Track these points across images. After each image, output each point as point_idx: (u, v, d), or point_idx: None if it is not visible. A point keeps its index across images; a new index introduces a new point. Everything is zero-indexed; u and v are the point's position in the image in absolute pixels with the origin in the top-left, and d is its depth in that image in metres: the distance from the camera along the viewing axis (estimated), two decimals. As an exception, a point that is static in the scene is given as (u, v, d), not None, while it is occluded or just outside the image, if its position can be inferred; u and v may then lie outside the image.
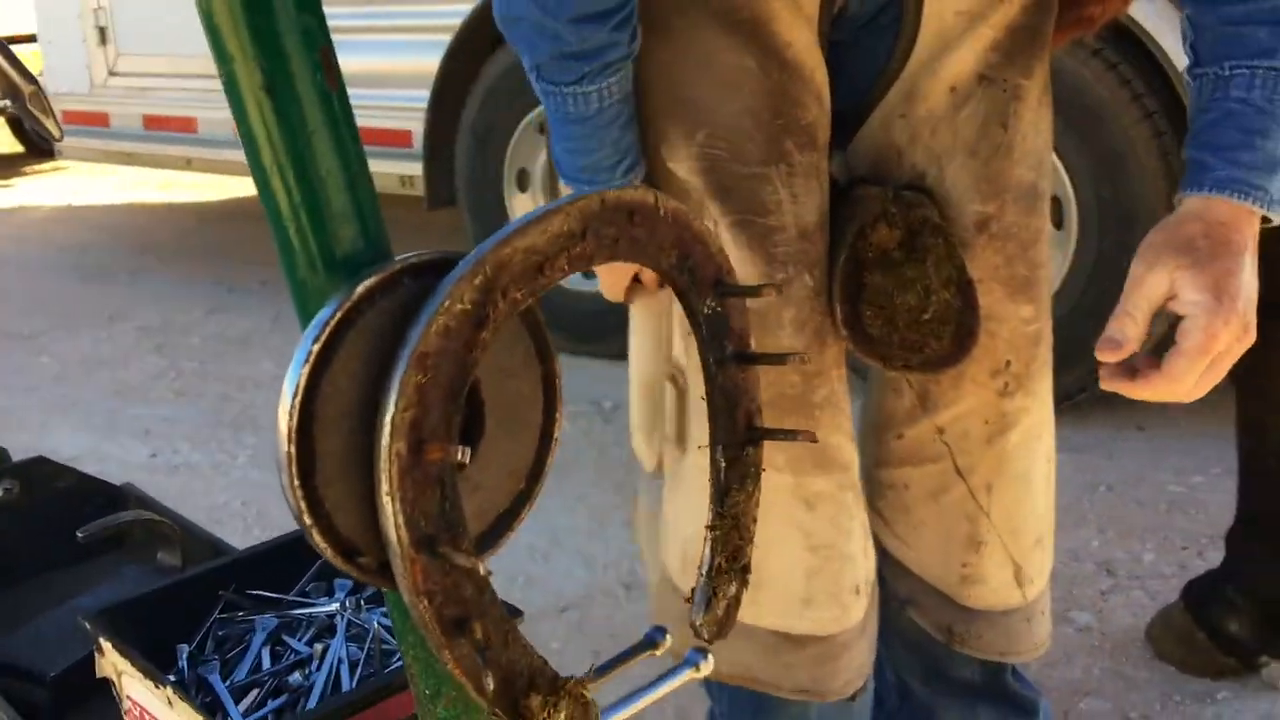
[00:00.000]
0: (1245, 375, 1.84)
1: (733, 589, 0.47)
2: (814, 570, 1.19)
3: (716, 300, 0.45)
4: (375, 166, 3.27)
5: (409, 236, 4.98)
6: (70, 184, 7.94)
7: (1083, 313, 3.01)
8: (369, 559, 0.38)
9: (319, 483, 0.36)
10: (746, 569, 0.48)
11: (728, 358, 0.46)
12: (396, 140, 4.21)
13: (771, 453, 1.15)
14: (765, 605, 1.19)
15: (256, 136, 0.37)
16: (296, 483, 0.36)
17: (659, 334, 1.23)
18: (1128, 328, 1.00)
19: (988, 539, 1.29)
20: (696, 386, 1.19)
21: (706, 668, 0.99)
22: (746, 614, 1.14)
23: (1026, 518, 1.30)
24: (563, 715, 0.41)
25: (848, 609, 1.21)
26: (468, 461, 0.38)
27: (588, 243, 0.41)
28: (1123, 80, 2.83)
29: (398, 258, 0.39)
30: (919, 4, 1.11)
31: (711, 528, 0.47)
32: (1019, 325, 1.24)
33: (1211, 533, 2.58)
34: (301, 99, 0.36)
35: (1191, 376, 1.00)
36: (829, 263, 1.17)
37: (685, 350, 1.21)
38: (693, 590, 0.48)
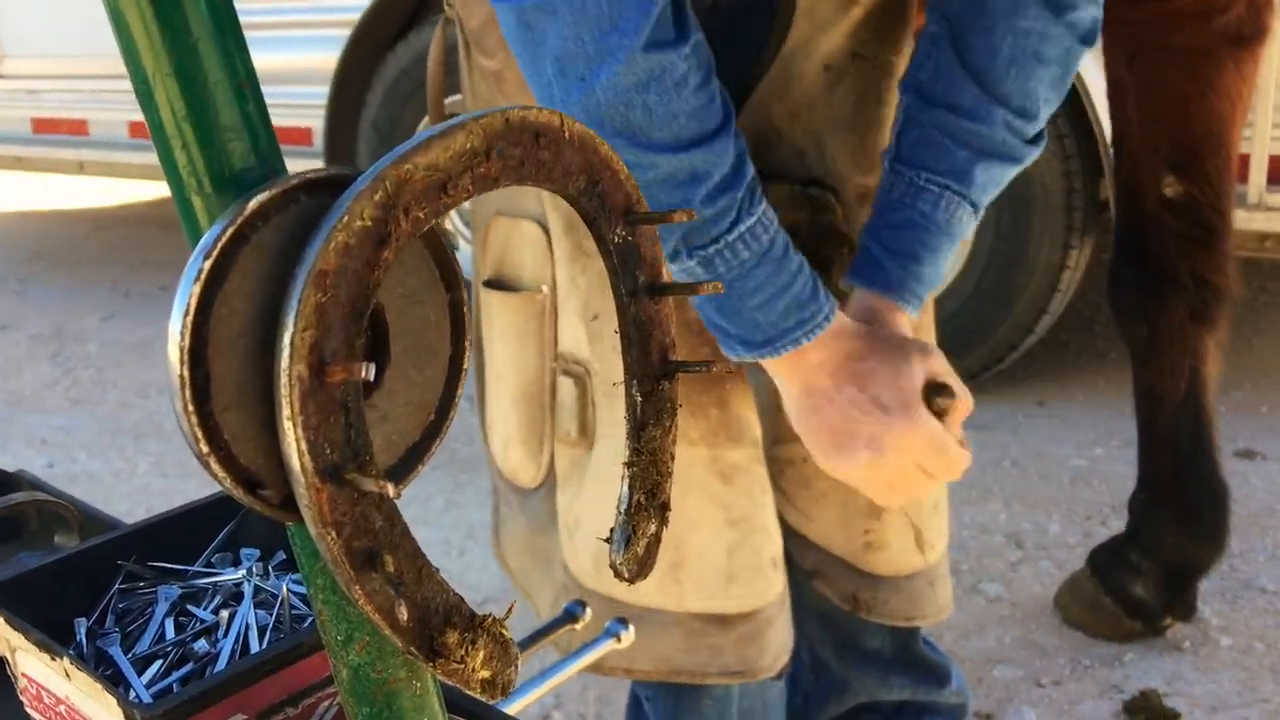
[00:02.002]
0: (1140, 346, 1.90)
1: (652, 526, 0.46)
2: (735, 545, 1.18)
3: (627, 229, 0.44)
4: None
5: (311, 236, 4.85)
6: (-47, 192, 7.66)
7: (983, 295, 3.08)
8: (272, 491, 0.36)
9: (215, 409, 0.34)
10: (665, 506, 0.47)
11: (640, 288, 0.45)
12: (297, 138, 4.15)
13: (685, 427, 1.16)
14: (688, 586, 1.18)
15: (137, 44, 0.35)
16: (191, 408, 0.34)
17: (538, 333, 1.20)
18: None
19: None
20: (605, 370, 1.17)
21: (628, 638, 0.98)
22: (669, 600, 1.18)
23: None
24: (481, 653, 0.40)
25: (770, 582, 1.21)
26: (371, 379, 0.37)
27: (492, 163, 0.39)
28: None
29: (294, 174, 0.37)
30: None
31: (629, 464, 0.46)
32: None
33: (1114, 503, 2.65)
34: (184, 2, 0.35)
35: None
36: None
37: (587, 337, 1.18)
38: (611, 530, 0.47)
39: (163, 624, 0.57)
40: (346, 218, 0.35)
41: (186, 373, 0.33)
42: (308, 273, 0.34)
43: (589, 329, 1.17)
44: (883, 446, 1.01)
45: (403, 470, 0.40)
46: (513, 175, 0.40)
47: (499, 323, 1.24)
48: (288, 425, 0.33)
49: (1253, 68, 1.66)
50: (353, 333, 0.35)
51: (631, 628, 0.94)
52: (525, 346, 1.21)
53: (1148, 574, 2.03)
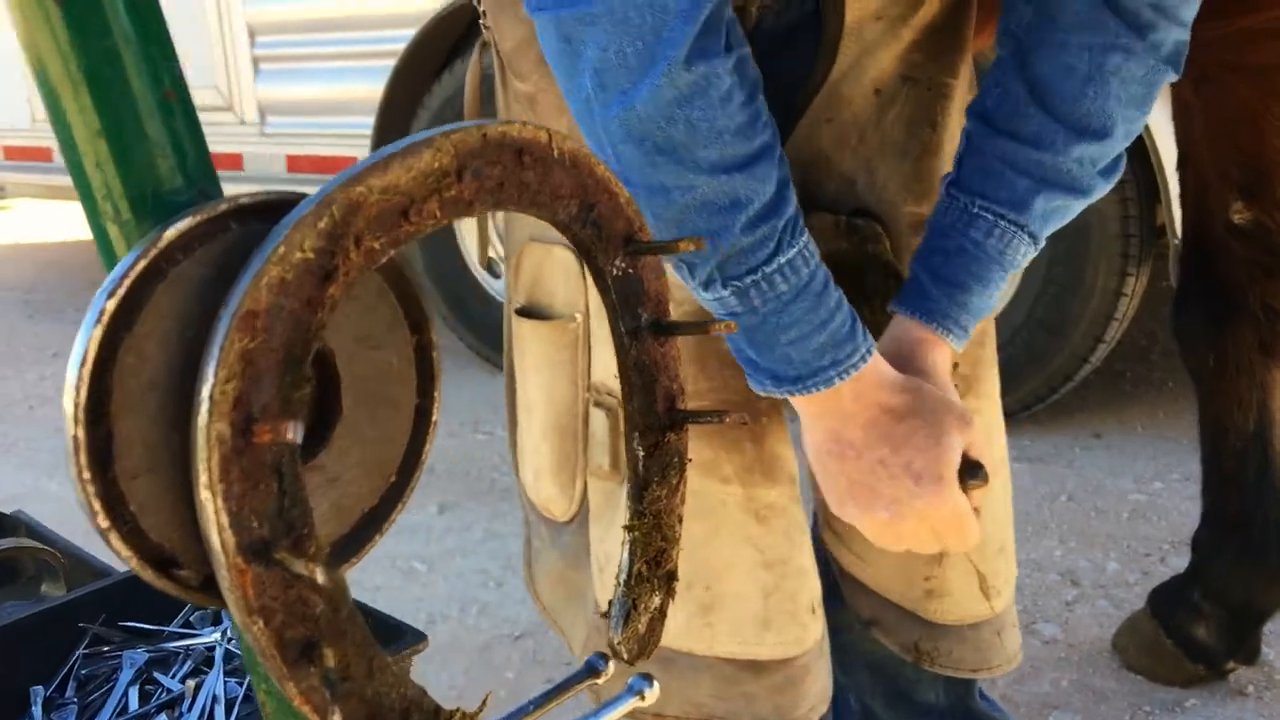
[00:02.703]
0: (1206, 377, 1.81)
1: (656, 600, 0.40)
2: (771, 588, 1.12)
3: (627, 260, 0.38)
4: None
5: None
6: (16, 221, 7.78)
7: (1037, 324, 3.00)
8: (190, 572, 0.30)
9: (120, 475, 0.29)
10: (672, 576, 0.40)
11: (643, 327, 0.39)
12: (342, 168, 4.12)
13: (719, 463, 1.11)
14: (721, 631, 1.12)
15: (41, 47, 0.30)
16: (87, 475, 0.28)
17: (571, 363, 1.16)
18: None
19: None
20: None
21: (651, 695, 0.92)
22: (699, 644, 1.12)
23: (987, 524, 1.24)
24: (447, 755, 0.34)
25: (807, 628, 1.15)
26: (299, 440, 0.31)
27: (465, 184, 0.34)
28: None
29: (227, 197, 0.32)
30: (839, 14, 1.07)
31: (629, 528, 0.40)
32: None
33: (1173, 539, 2.56)
34: (100, 1, 0.29)
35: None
36: None
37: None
38: (609, 604, 0.41)
39: (126, 693, 0.51)
40: (283, 249, 0.30)
41: (82, 433, 0.28)
42: (233, 313, 0.28)
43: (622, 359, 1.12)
44: (903, 513, 0.98)
45: (355, 543, 0.34)
46: (490, 199, 0.35)
47: (531, 352, 1.20)
48: (205, 495, 0.28)
49: None
50: (287, 384, 0.29)
51: (656, 685, 0.88)
52: (557, 376, 1.17)
53: (1211, 616, 1.93)
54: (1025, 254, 1.05)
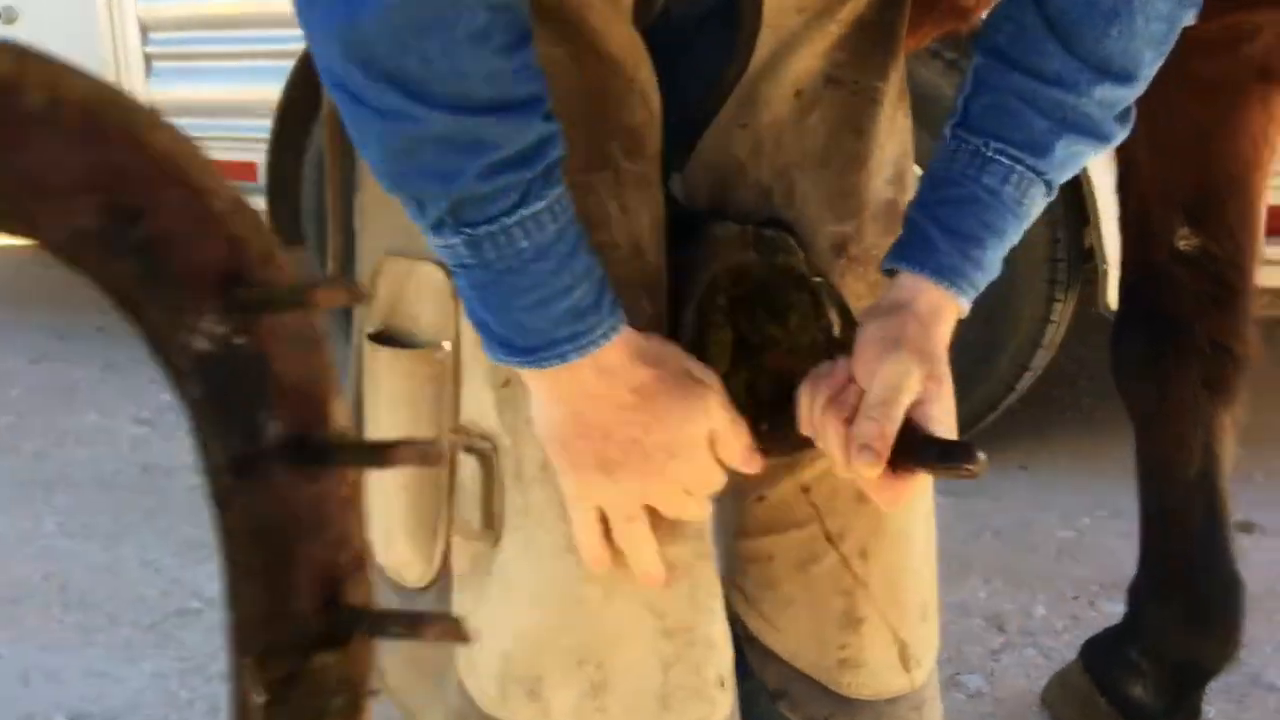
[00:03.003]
0: (1146, 416, 1.70)
1: None
2: (672, 660, 1.00)
3: (231, 323, 0.21)
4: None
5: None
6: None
7: (962, 350, 2.87)
8: None
9: None
10: None
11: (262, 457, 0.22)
12: (239, 173, 3.99)
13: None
14: (614, 714, 1.00)
15: None
16: None
17: (435, 399, 1.02)
18: (888, 440, 0.90)
19: (867, 614, 1.13)
20: (518, 447, 0.99)
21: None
22: None
23: (910, 586, 1.15)
24: None
25: (715, 704, 1.03)
26: None
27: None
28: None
29: None
30: (757, 2, 0.98)
31: None
32: None
33: (1103, 581, 2.47)
34: None
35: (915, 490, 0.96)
36: (672, 315, 1.02)
37: (496, 406, 1.00)
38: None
39: None
40: None
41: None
42: None
43: (499, 396, 0.99)
44: (656, 481, 0.93)
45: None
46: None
47: (386, 385, 1.06)
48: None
49: None
50: None
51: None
52: (418, 415, 1.04)
53: (1149, 673, 1.81)
54: (1040, 205, 0.96)
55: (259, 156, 3.80)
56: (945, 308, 0.95)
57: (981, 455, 0.87)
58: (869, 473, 0.90)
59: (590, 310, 0.87)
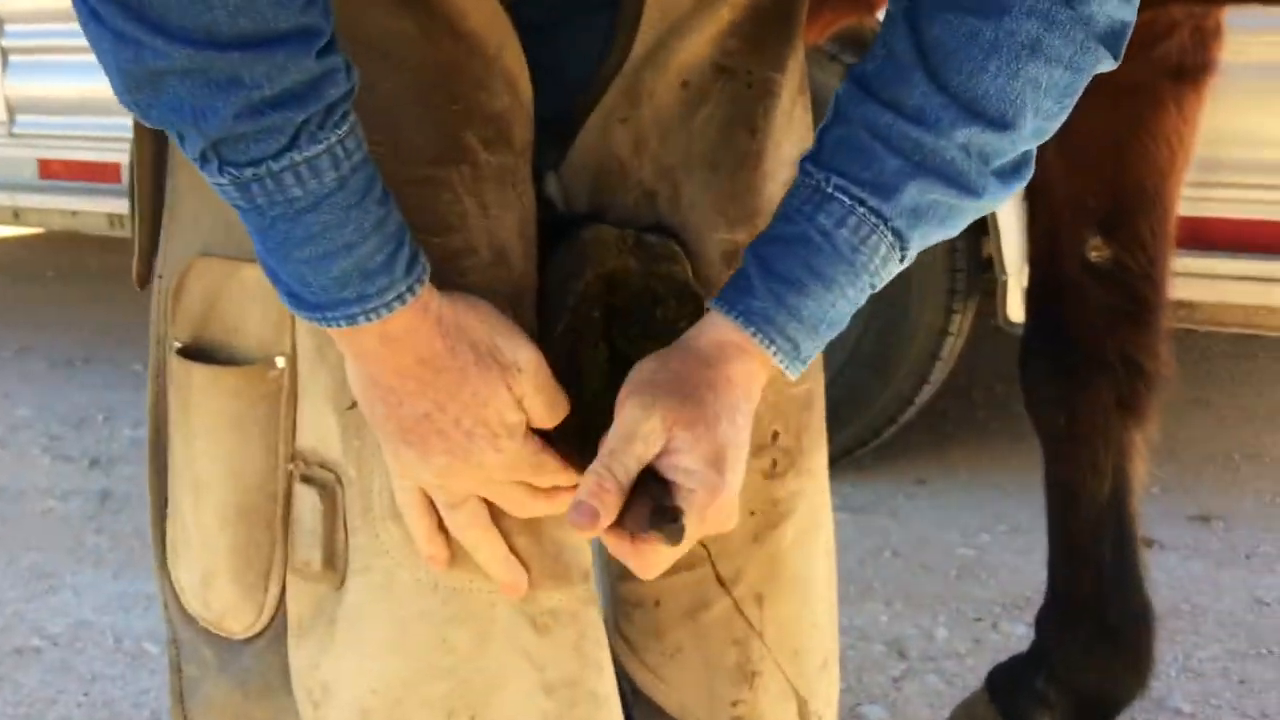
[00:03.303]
0: (1055, 437, 1.63)
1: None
2: (553, 718, 0.92)
3: None
4: (82, 205, 2.80)
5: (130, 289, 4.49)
6: None
7: (860, 363, 2.87)
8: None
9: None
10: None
11: None
12: (103, 175, 3.82)
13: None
14: None
15: None
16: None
17: (268, 423, 0.92)
18: (609, 496, 0.80)
19: (762, 667, 1.05)
20: (364, 479, 0.89)
21: None
22: None
23: (809, 634, 1.07)
24: None
25: None
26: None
27: None
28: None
29: None
30: None
31: None
32: (785, 387, 1.00)
33: (1004, 601, 2.44)
34: None
35: (672, 556, 0.84)
36: (542, 331, 0.92)
37: (340, 431, 0.89)
38: None
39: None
40: None
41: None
42: None
43: (343, 420, 0.89)
44: (465, 462, 0.84)
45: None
46: None
47: (204, 409, 0.94)
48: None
49: (1196, 108, 1.42)
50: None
51: None
52: (246, 442, 0.92)
53: (1057, 704, 1.76)
54: (885, 259, 0.83)
55: (123, 156, 3.62)
56: (742, 355, 0.84)
57: (679, 522, 0.77)
58: (578, 534, 0.83)
59: (381, 270, 0.77)
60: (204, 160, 0.73)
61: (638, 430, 0.80)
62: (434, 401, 0.83)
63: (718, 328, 0.85)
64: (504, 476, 0.86)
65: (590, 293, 0.91)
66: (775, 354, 0.84)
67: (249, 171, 0.73)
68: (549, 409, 0.86)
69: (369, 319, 0.79)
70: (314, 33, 0.72)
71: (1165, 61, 1.36)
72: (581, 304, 0.91)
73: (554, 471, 0.87)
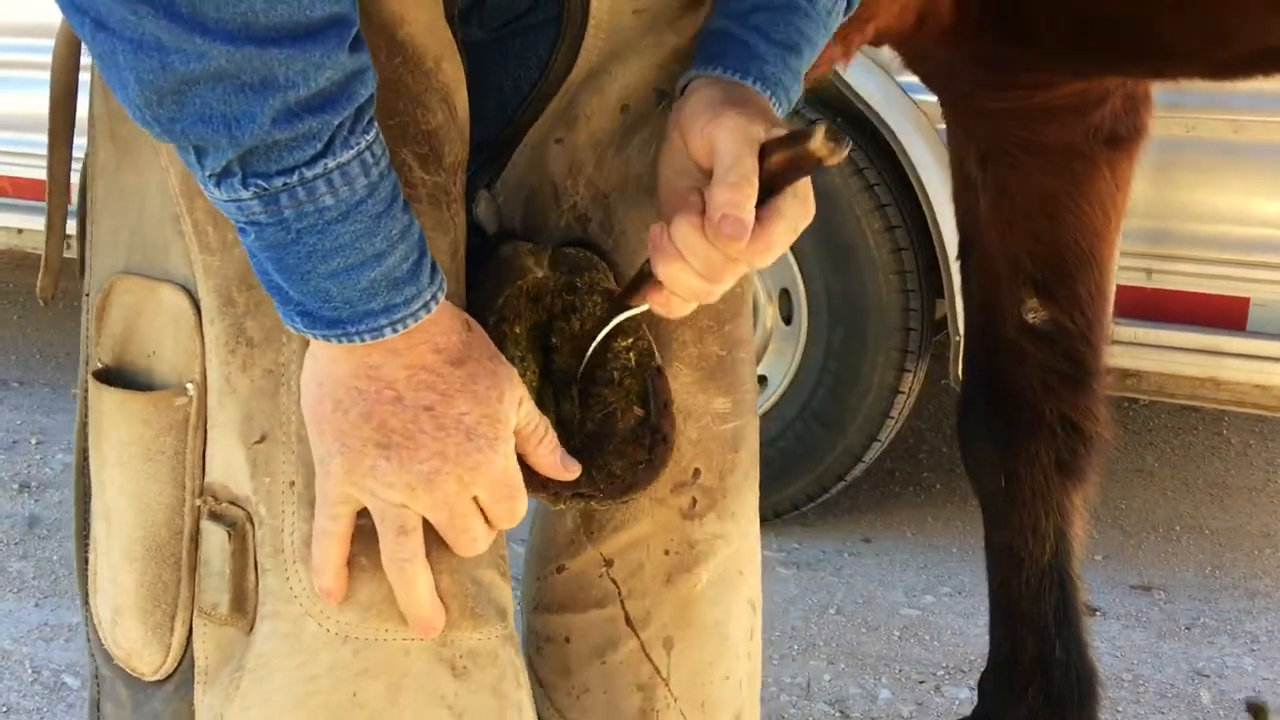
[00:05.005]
0: (995, 500, 1.61)
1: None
2: None
3: None
4: (28, 223, 2.69)
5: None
6: None
7: (811, 418, 2.84)
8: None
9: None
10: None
11: None
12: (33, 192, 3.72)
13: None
14: None
15: None
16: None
17: (175, 454, 0.88)
18: (750, 201, 0.79)
19: (666, 716, 1.00)
20: (275, 518, 0.84)
21: None
22: None
23: (720, 686, 1.02)
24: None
25: None
26: None
27: None
28: (855, 169, 2.67)
29: None
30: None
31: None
32: (711, 423, 0.98)
33: (948, 664, 2.41)
34: None
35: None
36: None
37: (249, 467, 0.85)
38: None
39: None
40: None
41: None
42: None
43: (251, 455, 0.85)
44: (448, 470, 0.79)
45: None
46: None
47: (115, 435, 0.90)
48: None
49: (1128, 173, 1.42)
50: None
51: None
52: (154, 473, 0.88)
53: (999, 771, 1.71)
54: (838, 21, 0.94)
55: (73, 176, 3.51)
56: (770, 114, 0.87)
57: (820, 127, 0.75)
58: (736, 246, 0.79)
59: (409, 279, 0.75)
60: (225, 175, 0.70)
61: (751, 136, 0.80)
62: (441, 392, 0.79)
63: (732, 90, 0.86)
64: (487, 488, 0.81)
65: (512, 309, 0.89)
66: (780, 110, 0.88)
67: (279, 181, 0.69)
68: (544, 421, 0.85)
69: (396, 330, 0.76)
70: (346, 23, 0.70)
71: (1099, 127, 1.37)
72: (504, 321, 0.89)
73: (522, 489, 0.84)
